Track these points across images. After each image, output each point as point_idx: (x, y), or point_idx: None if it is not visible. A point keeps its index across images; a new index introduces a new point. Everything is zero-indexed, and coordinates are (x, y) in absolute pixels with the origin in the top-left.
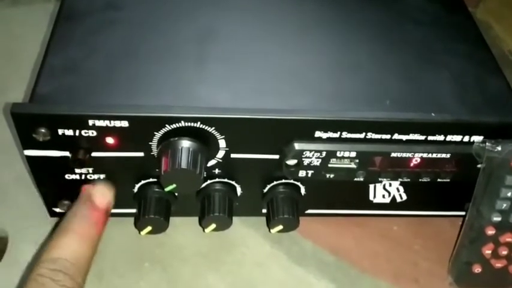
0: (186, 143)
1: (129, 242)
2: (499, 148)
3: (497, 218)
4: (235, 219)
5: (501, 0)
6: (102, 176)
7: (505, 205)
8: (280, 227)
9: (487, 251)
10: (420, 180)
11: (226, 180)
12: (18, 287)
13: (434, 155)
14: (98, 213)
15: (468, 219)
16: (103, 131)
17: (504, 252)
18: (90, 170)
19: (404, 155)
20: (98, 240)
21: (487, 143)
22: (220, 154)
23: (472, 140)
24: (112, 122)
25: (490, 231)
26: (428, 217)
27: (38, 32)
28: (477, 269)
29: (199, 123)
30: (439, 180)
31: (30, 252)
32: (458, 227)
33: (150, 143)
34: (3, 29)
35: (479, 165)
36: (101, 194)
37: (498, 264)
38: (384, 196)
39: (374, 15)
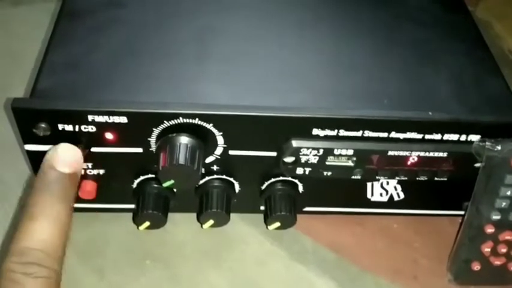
0: (184, 139)
1: (130, 240)
2: (499, 147)
3: (496, 217)
4: (235, 216)
5: None
6: (101, 171)
7: (504, 204)
8: (278, 224)
9: (486, 249)
10: (417, 178)
11: (224, 176)
12: None
13: (431, 154)
14: (64, 183)
15: (467, 217)
16: (102, 127)
17: (503, 250)
18: (90, 165)
19: (401, 153)
20: (69, 215)
21: (487, 142)
22: (219, 151)
23: (469, 139)
24: (111, 117)
25: (489, 230)
26: (426, 216)
27: (39, 31)
28: (476, 266)
29: (197, 119)
30: (436, 179)
31: None
32: (458, 224)
33: (149, 139)
34: (4, 28)
35: (476, 165)
36: (64, 156)
37: (497, 262)
38: (381, 194)
39: (373, 13)
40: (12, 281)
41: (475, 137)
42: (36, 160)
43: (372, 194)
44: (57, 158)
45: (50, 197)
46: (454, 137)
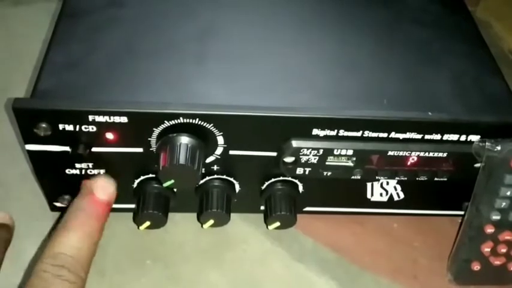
0: (184, 139)
1: (130, 240)
2: (499, 148)
3: (496, 217)
4: (235, 216)
5: None
6: (102, 171)
7: (504, 204)
8: (278, 224)
9: (486, 249)
10: (417, 179)
11: (224, 176)
12: (21, 283)
13: (431, 154)
14: (100, 208)
15: (467, 217)
16: (103, 127)
17: (503, 250)
18: (90, 165)
19: (401, 153)
20: (99, 234)
21: (486, 143)
22: (219, 151)
23: (469, 139)
24: (112, 117)
25: (489, 230)
26: (426, 216)
27: (40, 31)
28: (476, 266)
29: (197, 119)
30: (436, 179)
31: (33, 248)
32: (458, 224)
33: (149, 139)
34: (5, 28)
35: (476, 165)
36: (102, 187)
37: (497, 262)
38: (381, 194)
39: (373, 13)
40: (43, 279)
41: (474, 137)
42: (37, 160)
43: (372, 194)
44: (96, 186)
45: (85, 215)
46: (453, 137)
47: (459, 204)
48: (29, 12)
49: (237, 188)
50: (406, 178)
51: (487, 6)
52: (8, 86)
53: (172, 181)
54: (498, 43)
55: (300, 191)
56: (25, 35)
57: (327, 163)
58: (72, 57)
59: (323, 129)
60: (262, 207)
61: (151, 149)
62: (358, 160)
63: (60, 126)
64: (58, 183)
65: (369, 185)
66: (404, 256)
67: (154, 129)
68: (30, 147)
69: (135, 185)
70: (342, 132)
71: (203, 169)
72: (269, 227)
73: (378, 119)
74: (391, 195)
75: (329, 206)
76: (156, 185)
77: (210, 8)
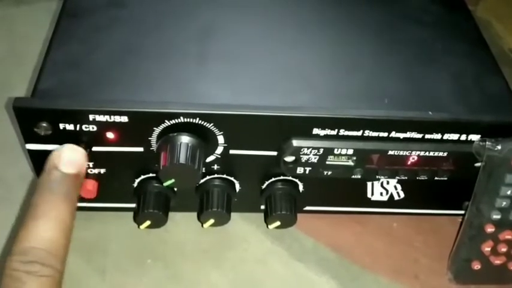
0: (185, 139)
1: (131, 239)
2: (499, 147)
3: (496, 216)
4: (236, 215)
5: None
6: (102, 171)
7: (504, 203)
8: (278, 223)
9: (486, 248)
10: (417, 178)
11: (225, 176)
12: None
13: (431, 154)
14: (69, 185)
15: (468, 217)
16: (103, 126)
17: (503, 249)
18: (91, 164)
19: (401, 153)
20: (73, 216)
21: (487, 142)
22: (219, 150)
23: (469, 139)
24: (112, 117)
25: (490, 229)
26: (427, 215)
27: (41, 31)
28: (476, 265)
29: (198, 119)
30: (436, 178)
31: None
32: (458, 224)
33: (150, 138)
34: (6, 28)
35: (476, 164)
36: (68, 158)
37: (497, 261)
38: (381, 194)
39: (374, 13)
40: (15, 279)
41: (475, 137)
42: (37, 159)
43: (372, 194)
44: (61, 159)
45: (53, 197)
46: (454, 136)
47: (459, 204)
48: (30, 12)
49: (237, 187)
50: (406, 177)
51: (487, 6)
52: (8, 85)
53: (173, 180)
54: (498, 42)
55: (300, 191)
56: (26, 34)
57: (327, 162)
58: (73, 56)
59: (323, 128)
60: (262, 207)
61: (151, 149)
62: (358, 159)
63: (61, 126)
64: None
65: (369, 184)
66: (404, 256)
67: (154, 128)
68: (31, 146)
69: (135, 185)
70: (342, 132)
71: (203, 168)
72: (269, 226)
73: (378, 119)
74: (392, 195)
75: (329, 205)
76: (156, 185)
77: (210, 8)
